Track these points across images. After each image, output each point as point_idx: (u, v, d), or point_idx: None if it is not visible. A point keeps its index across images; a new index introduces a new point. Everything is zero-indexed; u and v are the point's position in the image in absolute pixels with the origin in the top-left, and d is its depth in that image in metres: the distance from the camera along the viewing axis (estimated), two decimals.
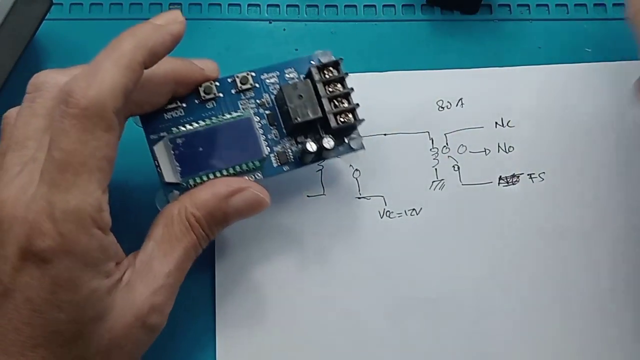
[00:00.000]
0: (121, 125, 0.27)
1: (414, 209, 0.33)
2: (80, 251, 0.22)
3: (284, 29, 0.36)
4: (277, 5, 0.37)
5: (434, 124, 0.34)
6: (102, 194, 0.23)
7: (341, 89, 0.28)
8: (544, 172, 0.33)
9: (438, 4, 0.37)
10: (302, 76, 0.29)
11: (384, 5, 0.37)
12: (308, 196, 0.32)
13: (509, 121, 0.34)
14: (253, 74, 0.29)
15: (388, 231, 0.32)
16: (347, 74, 0.29)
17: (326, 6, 0.37)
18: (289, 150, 0.29)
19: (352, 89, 0.28)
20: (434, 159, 0.33)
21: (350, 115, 0.28)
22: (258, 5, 0.37)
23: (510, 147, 0.34)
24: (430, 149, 0.33)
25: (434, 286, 0.31)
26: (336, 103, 0.28)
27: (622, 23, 0.37)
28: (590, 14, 0.37)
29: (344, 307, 0.31)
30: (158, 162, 0.28)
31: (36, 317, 0.22)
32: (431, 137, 0.34)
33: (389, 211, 0.32)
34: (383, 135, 0.33)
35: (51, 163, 0.22)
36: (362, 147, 0.29)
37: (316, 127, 0.29)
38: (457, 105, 0.34)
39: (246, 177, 0.28)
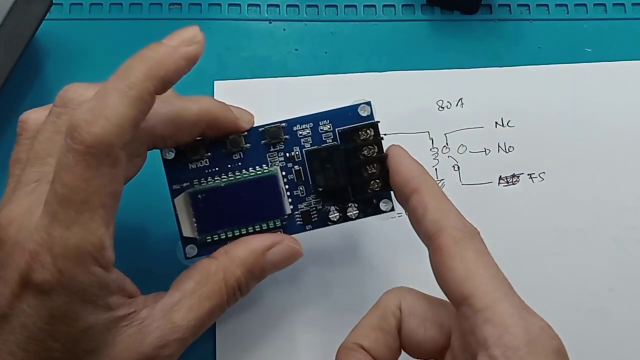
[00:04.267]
0: (143, 156, 0.26)
1: None
2: (78, 288, 0.22)
3: (284, 29, 0.36)
4: (277, 5, 0.37)
5: (434, 124, 0.34)
6: (105, 230, 0.22)
7: (376, 152, 0.27)
8: (544, 172, 0.33)
9: (438, 4, 0.37)
10: (337, 130, 0.27)
11: (384, 5, 0.37)
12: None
13: (509, 121, 0.34)
14: (284, 124, 0.27)
15: (388, 231, 0.32)
16: (383, 137, 0.27)
17: (326, 6, 0.37)
18: (314, 209, 0.28)
19: (386, 155, 0.27)
20: (434, 159, 0.33)
21: (381, 182, 0.27)
22: (258, 5, 0.37)
23: (510, 147, 0.34)
24: (430, 149, 0.33)
25: (434, 286, 0.31)
26: (368, 168, 0.27)
27: (622, 23, 0.37)
28: (590, 14, 0.37)
29: (344, 308, 0.31)
30: (177, 215, 0.27)
31: (31, 343, 0.22)
32: (431, 137, 0.34)
33: None
34: (383, 135, 0.33)
35: (54, 196, 0.21)
36: (393, 209, 0.28)
37: (344, 192, 0.27)
38: (457, 105, 0.34)
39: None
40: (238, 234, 0.27)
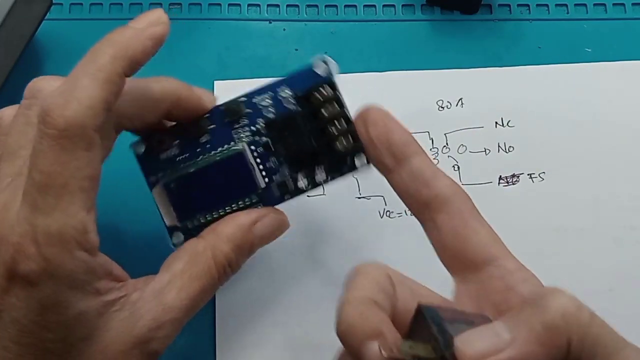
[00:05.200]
0: (112, 139, 0.26)
1: None
2: (65, 274, 0.22)
3: (284, 29, 0.36)
4: (277, 5, 0.37)
5: (434, 124, 0.34)
6: (87, 215, 0.22)
7: (337, 110, 0.26)
8: (544, 172, 0.33)
9: (438, 4, 0.37)
10: (298, 93, 0.26)
11: (384, 5, 0.37)
12: (308, 196, 0.32)
13: (509, 121, 0.34)
14: (244, 99, 0.27)
15: (388, 231, 0.32)
16: (341, 94, 0.26)
17: (326, 6, 0.37)
18: (289, 178, 0.27)
19: (347, 109, 0.26)
20: (434, 158, 0.33)
21: (349, 138, 0.26)
22: (258, 5, 0.37)
23: (510, 147, 0.34)
24: (430, 149, 0.33)
25: (434, 286, 0.31)
26: (330, 128, 0.26)
27: (622, 23, 0.37)
28: (590, 14, 0.37)
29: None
30: (158, 206, 0.27)
31: (24, 336, 0.22)
32: (431, 137, 0.34)
33: (389, 211, 0.32)
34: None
35: (32, 185, 0.21)
36: (368, 163, 0.26)
37: (312, 156, 0.26)
38: (457, 105, 0.34)
39: None
40: (223, 213, 0.27)
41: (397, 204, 0.32)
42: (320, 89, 0.26)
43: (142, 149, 0.27)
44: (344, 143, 0.26)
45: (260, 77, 0.35)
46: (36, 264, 0.21)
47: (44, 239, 0.21)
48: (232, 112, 0.27)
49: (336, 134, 0.26)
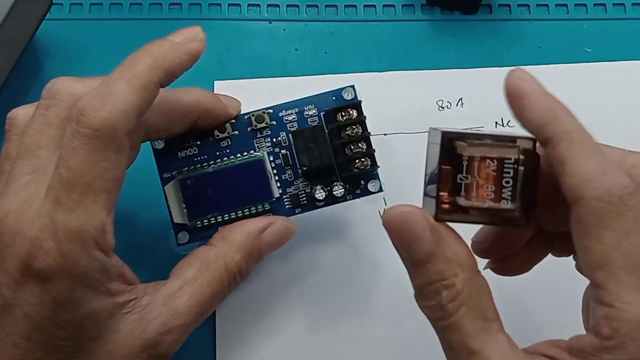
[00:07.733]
0: (137, 148, 0.27)
1: None
2: (81, 272, 0.22)
3: (284, 29, 0.36)
4: (277, 5, 0.37)
5: (434, 124, 0.34)
6: (107, 216, 0.22)
7: (360, 131, 0.27)
8: None
9: (438, 4, 0.37)
10: (322, 113, 0.28)
11: (384, 5, 0.37)
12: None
13: (509, 121, 0.34)
14: (270, 111, 0.28)
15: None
16: (366, 117, 0.27)
17: (326, 6, 0.37)
18: (303, 192, 0.28)
19: (370, 133, 0.27)
20: None
21: (367, 160, 0.27)
22: (258, 5, 0.37)
23: None
24: None
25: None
26: (353, 147, 0.27)
27: (622, 23, 0.37)
28: (590, 14, 0.37)
29: (343, 307, 0.31)
30: (168, 203, 0.28)
31: (35, 333, 0.22)
32: None
33: None
34: (383, 135, 0.33)
35: (58, 181, 0.22)
36: (381, 190, 0.28)
37: (330, 172, 0.28)
38: (457, 105, 0.34)
39: None
40: (228, 218, 0.28)
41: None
42: (348, 109, 0.27)
43: (161, 145, 0.28)
44: (361, 164, 0.27)
45: (260, 77, 0.35)
46: (53, 259, 0.21)
47: (64, 234, 0.21)
48: (257, 120, 0.28)
49: (356, 155, 0.27)
